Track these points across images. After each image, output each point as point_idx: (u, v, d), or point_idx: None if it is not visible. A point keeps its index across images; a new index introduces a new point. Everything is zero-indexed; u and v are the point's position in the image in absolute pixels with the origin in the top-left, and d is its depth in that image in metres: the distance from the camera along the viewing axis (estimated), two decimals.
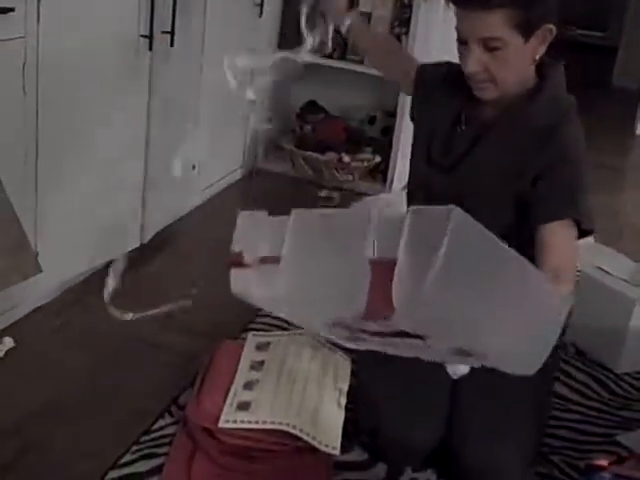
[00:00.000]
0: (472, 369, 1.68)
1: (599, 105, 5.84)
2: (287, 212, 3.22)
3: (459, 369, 1.68)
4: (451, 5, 1.59)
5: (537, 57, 1.62)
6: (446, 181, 1.71)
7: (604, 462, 1.66)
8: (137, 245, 2.54)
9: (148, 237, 2.58)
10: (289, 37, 3.41)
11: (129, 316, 2.23)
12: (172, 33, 2.43)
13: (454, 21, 1.61)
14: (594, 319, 2.34)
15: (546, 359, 1.77)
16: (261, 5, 3.16)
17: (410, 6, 3.21)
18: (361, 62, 3.33)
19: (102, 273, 2.41)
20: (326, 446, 1.62)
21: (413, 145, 1.86)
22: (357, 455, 1.76)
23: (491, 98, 1.64)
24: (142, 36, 2.32)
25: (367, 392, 1.74)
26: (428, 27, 3.38)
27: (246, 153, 3.42)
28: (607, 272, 2.38)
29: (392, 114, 3.39)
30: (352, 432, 1.75)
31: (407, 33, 3.23)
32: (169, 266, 2.54)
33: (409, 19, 3.22)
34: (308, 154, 3.40)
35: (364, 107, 3.60)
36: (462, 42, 1.59)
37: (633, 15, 6.46)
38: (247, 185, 3.38)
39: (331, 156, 3.37)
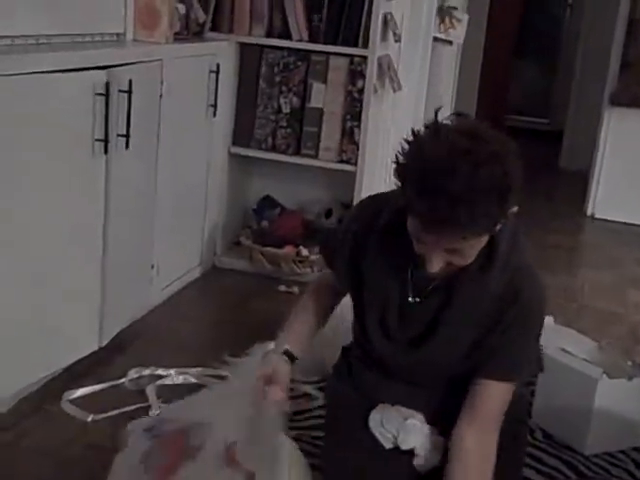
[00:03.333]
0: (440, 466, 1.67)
1: (548, 188, 6.00)
2: (247, 308, 3.19)
3: (426, 465, 1.66)
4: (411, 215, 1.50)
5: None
6: (405, 355, 1.69)
7: None
8: (95, 349, 2.50)
9: (106, 340, 2.54)
10: (243, 135, 3.47)
11: (89, 417, 2.21)
12: (127, 136, 2.46)
13: (412, 226, 1.51)
14: (559, 401, 2.34)
15: (514, 445, 1.78)
16: (215, 105, 3.22)
17: (360, 100, 3.29)
18: (315, 157, 3.39)
19: (60, 379, 2.40)
20: None
21: (359, 308, 1.76)
22: None
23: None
24: (97, 140, 2.34)
25: None
26: (379, 119, 3.47)
27: (204, 251, 3.42)
28: (569, 352, 2.39)
29: (348, 206, 3.44)
30: None
31: (359, 126, 3.30)
32: (129, 369, 2.49)
33: (360, 112, 3.30)
34: (266, 249, 3.42)
35: (320, 200, 3.65)
36: (422, 243, 1.52)
37: (575, 101, 6.70)
38: (206, 283, 3.37)
39: (289, 250, 3.39)
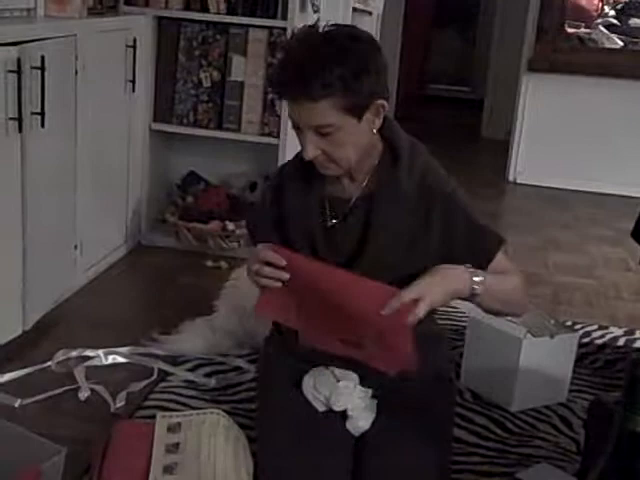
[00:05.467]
0: (372, 427, 1.69)
1: (471, 155, 6.10)
2: (175, 285, 3.16)
3: (359, 426, 1.68)
4: None
5: (375, 130, 1.64)
6: None
7: None
8: (19, 333, 2.45)
9: (30, 323, 2.49)
10: (163, 110, 3.43)
11: (17, 402, 2.16)
12: (42, 114, 2.40)
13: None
14: (486, 362, 2.39)
15: (442, 405, 1.81)
16: (133, 81, 3.16)
17: None
18: (238, 130, 3.37)
19: None
20: None
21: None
22: None
23: (336, 174, 1.66)
24: (11, 118, 2.28)
25: (269, 464, 1.70)
26: None
27: (129, 229, 3.38)
28: None
29: None
30: None
31: (280, 98, 3.28)
32: (55, 352, 2.45)
33: None
34: (192, 225, 3.39)
35: (244, 174, 3.63)
36: (296, 128, 1.61)
37: (494, 69, 6.80)
38: (132, 261, 3.33)
39: (215, 225, 3.37)
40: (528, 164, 5.25)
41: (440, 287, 1.55)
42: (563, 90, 5.13)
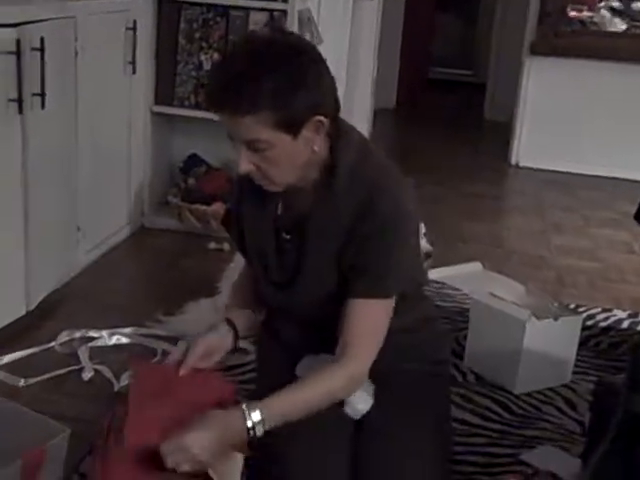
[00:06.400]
0: (371, 411, 1.67)
1: (473, 138, 6.07)
2: (178, 267, 3.15)
3: (358, 409, 1.67)
4: None
5: (316, 147, 1.52)
6: (288, 296, 1.67)
7: None
8: (23, 313, 2.44)
9: (34, 304, 2.49)
10: (164, 93, 3.41)
11: (21, 382, 2.17)
12: (43, 95, 2.39)
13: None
14: (489, 344, 2.39)
15: (435, 384, 1.79)
16: (133, 62, 3.14)
17: None
18: None
19: None
20: None
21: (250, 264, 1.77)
22: None
23: (275, 190, 1.58)
24: (11, 100, 2.27)
25: (267, 450, 1.68)
26: None
27: (132, 211, 3.37)
28: (498, 297, 2.43)
29: None
30: None
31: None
32: (59, 332, 2.45)
33: None
34: (194, 207, 3.38)
35: None
36: (231, 140, 1.51)
37: (496, 52, 6.77)
38: (135, 243, 3.32)
39: (217, 206, 3.36)
40: (530, 147, 5.23)
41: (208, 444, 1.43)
42: (565, 73, 5.11)
